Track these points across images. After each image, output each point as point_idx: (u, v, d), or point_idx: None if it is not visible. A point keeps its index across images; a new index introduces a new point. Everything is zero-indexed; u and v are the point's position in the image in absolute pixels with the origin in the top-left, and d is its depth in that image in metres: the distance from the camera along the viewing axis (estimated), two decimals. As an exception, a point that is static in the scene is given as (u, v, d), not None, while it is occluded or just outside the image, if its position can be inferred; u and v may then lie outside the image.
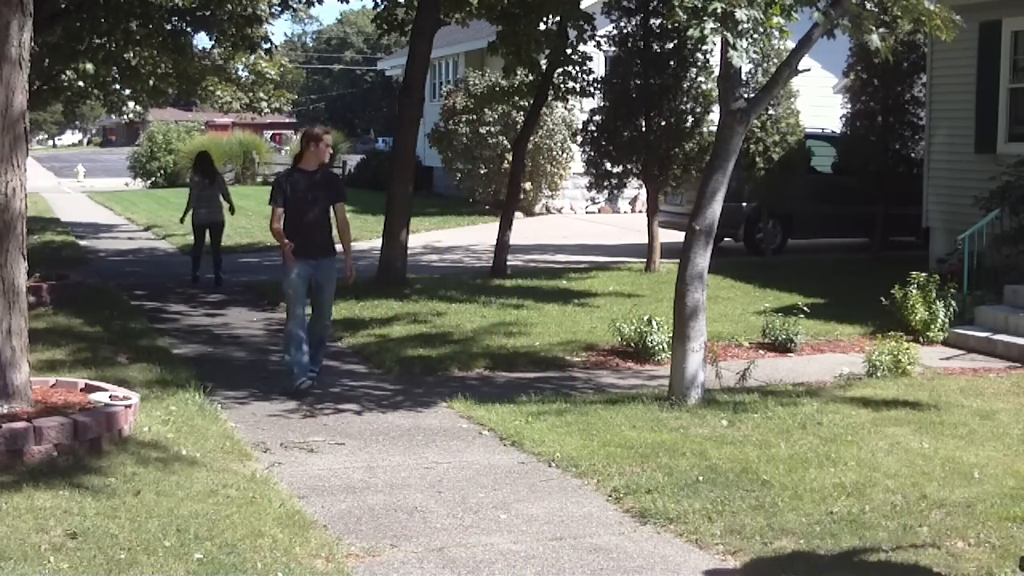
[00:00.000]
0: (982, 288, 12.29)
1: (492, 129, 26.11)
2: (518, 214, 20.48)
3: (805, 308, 11.90)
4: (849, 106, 17.97)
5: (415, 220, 17.28)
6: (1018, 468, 6.94)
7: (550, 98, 17.36)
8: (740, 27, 7.67)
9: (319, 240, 9.44)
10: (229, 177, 41.23)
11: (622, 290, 14.70)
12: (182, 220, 16.53)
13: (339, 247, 9.63)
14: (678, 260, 8.96)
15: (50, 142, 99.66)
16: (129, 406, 7.28)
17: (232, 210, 16.07)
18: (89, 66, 16.14)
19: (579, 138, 17.74)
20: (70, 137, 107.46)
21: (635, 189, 23.18)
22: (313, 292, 9.50)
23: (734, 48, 7.77)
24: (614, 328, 11.09)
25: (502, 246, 16.54)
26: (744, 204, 17.89)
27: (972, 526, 5.86)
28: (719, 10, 7.63)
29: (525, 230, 21.65)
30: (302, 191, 9.35)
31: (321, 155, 9.50)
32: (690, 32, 7.77)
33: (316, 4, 18.02)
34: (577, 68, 16.46)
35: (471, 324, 12.12)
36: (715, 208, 8.72)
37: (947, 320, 11.65)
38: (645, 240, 17.04)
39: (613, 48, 17.22)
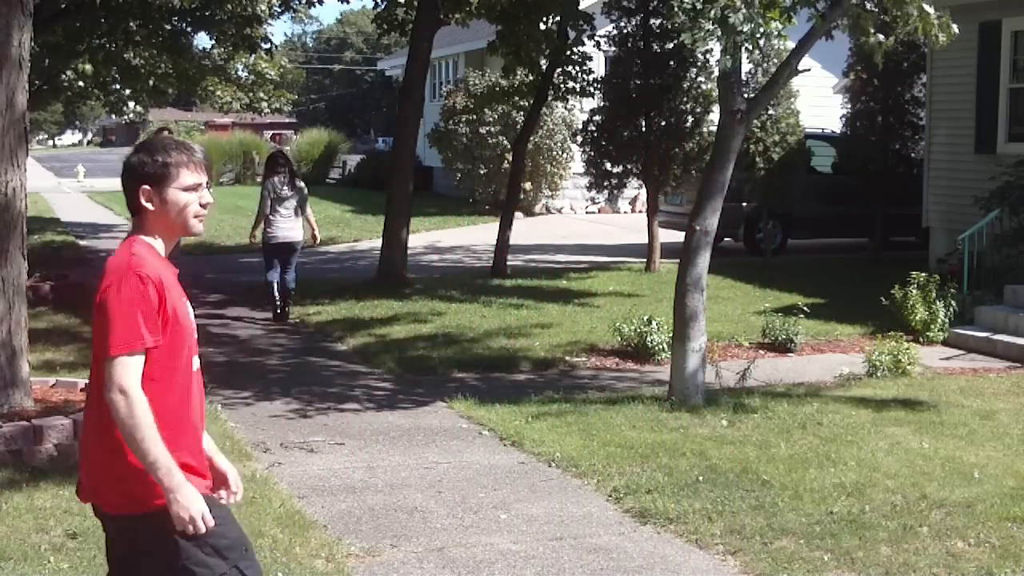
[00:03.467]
0: (982, 288, 12.29)
1: (492, 129, 26.09)
2: (518, 214, 20.47)
3: (805, 308, 11.90)
4: (849, 106, 17.95)
5: (415, 220, 17.28)
6: (1018, 468, 6.94)
7: (550, 98, 17.36)
8: (737, 29, 7.67)
9: None
10: (229, 177, 41.00)
11: (622, 290, 14.70)
12: (252, 237, 12.92)
13: None
14: (678, 260, 8.96)
15: (50, 142, 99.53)
16: (129, 406, 7.27)
17: (315, 237, 13.38)
18: (89, 66, 16.15)
19: (579, 138, 17.74)
20: (70, 137, 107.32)
21: (635, 189, 23.16)
22: None
23: (726, 52, 7.78)
24: (614, 328, 11.09)
25: (502, 246, 16.54)
26: (744, 204, 17.88)
27: (972, 526, 5.87)
28: (716, 14, 7.62)
29: (525, 230, 21.64)
30: None
31: None
32: (684, 38, 7.79)
33: (316, 4, 18.04)
34: (577, 68, 16.46)
35: (471, 324, 12.12)
36: (715, 208, 8.72)
37: (947, 320, 11.64)
38: (645, 240, 17.04)
39: (613, 48, 17.21)
